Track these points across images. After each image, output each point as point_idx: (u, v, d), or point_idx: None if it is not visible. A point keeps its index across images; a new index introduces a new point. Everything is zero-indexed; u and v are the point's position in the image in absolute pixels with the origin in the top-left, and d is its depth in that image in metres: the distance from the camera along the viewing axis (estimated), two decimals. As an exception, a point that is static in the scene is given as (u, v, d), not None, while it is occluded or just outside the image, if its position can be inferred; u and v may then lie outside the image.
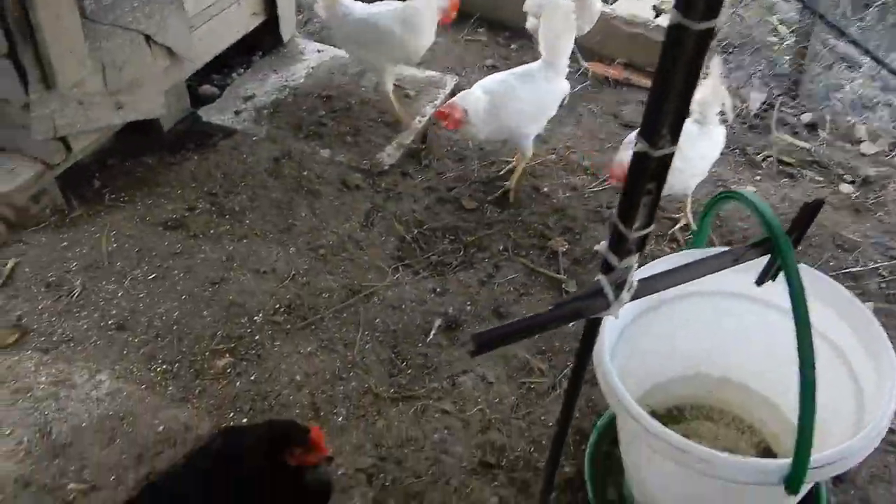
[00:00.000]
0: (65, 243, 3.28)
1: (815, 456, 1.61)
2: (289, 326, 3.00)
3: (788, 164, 4.02)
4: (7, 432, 2.57)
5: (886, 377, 1.79)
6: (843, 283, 2.54)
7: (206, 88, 4.20)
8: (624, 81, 4.57)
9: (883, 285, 3.30)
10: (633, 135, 3.19)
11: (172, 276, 3.15)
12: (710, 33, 1.09)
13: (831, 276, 2.21)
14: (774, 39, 5.05)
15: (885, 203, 3.77)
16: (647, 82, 4.53)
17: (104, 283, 3.11)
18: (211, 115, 4.00)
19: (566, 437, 1.81)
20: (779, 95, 4.53)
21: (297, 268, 3.23)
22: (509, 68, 4.21)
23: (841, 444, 1.69)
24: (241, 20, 4.18)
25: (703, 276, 1.56)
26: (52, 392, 2.70)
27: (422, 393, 2.78)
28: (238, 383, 2.77)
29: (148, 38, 3.51)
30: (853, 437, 1.71)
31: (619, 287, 1.41)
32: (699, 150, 3.19)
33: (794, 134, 4.29)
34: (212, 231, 3.37)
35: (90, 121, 3.41)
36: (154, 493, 1.85)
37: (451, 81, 4.32)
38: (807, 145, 4.13)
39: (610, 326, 1.97)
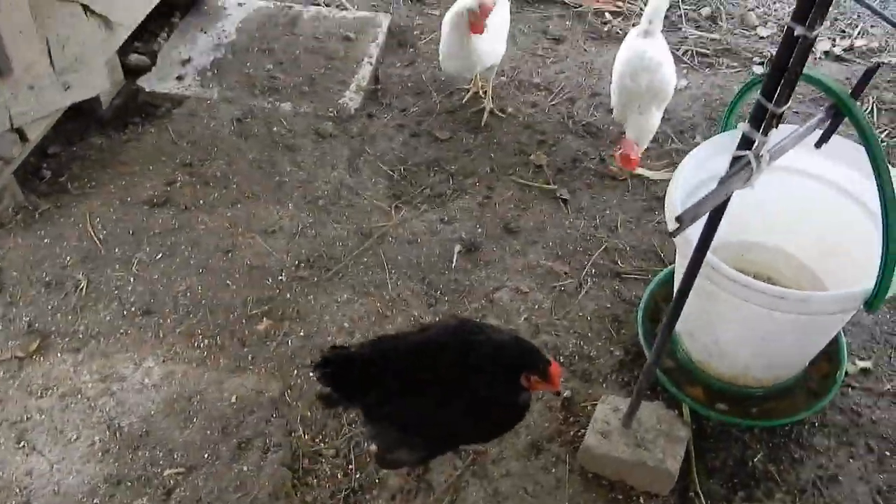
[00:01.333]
0: (47, 240, 3.09)
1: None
2: (316, 279, 3.02)
3: (705, 55, 4.39)
4: (73, 437, 2.49)
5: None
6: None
7: (135, 58, 3.95)
8: (540, -2, 4.75)
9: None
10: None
11: (180, 252, 3.06)
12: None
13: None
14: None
15: (797, 78, 4.23)
16: (562, -3, 4.74)
17: (109, 271, 2.98)
18: (152, 84, 3.80)
19: (679, 316, 2.03)
20: (679, -5, 4.89)
21: (302, 222, 3.23)
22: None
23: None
24: (161, -20, 3.95)
25: (802, 140, 1.78)
26: (103, 389, 2.61)
27: (466, 314, 2.93)
28: (289, 342, 2.80)
29: (85, 7, 3.27)
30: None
31: (757, 160, 1.62)
32: (665, 57, 3.44)
33: (699, 27, 4.67)
34: (201, 201, 3.28)
35: (42, 106, 3.18)
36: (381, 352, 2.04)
37: (385, 19, 4.32)
38: (716, 36, 4.52)
39: (676, 202, 2.21)
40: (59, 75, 3.22)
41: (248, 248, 3.10)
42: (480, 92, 3.88)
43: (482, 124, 3.75)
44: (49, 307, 2.86)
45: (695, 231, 2.13)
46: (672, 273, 2.90)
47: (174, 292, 2.92)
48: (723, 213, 1.78)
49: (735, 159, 1.64)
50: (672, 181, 2.33)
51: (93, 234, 3.10)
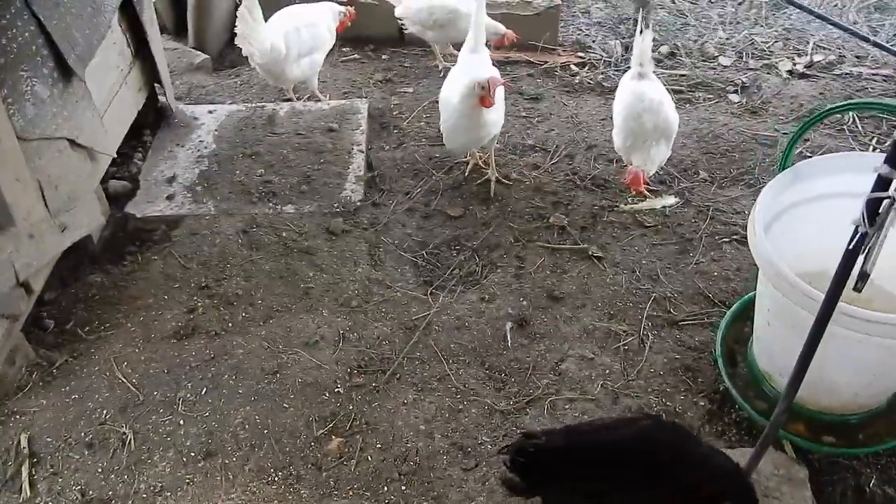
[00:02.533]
0: (75, 395, 2.83)
1: None
2: (374, 384, 2.86)
3: (680, 92, 4.51)
4: None
5: None
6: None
7: (114, 184, 3.75)
8: (505, 60, 4.80)
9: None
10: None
11: (225, 382, 2.85)
12: None
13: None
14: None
15: (769, 100, 4.40)
16: (524, 56, 4.82)
17: (154, 418, 2.74)
18: (141, 209, 3.60)
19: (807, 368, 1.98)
20: (631, 37, 5.02)
21: (341, 327, 3.07)
22: (399, 78, 4.35)
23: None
24: (132, 99, 3.78)
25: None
26: (184, 550, 2.37)
27: (539, 393, 2.82)
28: (369, 457, 2.62)
29: (71, 141, 3.08)
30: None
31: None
32: (664, 95, 3.51)
33: (663, 66, 4.80)
34: (230, 324, 3.09)
35: (43, 253, 2.95)
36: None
37: (363, 105, 4.26)
38: (684, 72, 4.66)
39: (760, 233, 2.20)
40: (55, 217, 3.00)
41: (294, 364, 2.92)
42: (480, 162, 3.84)
43: (491, 195, 3.70)
44: (99, 470, 2.59)
45: (785, 259, 2.13)
46: (739, 311, 2.89)
47: (231, 427, 2.70)
48: (856, 258, 1.75)
49: (872, 202, 1.62)
50: (751, 218, 2.33)
51: (124, 379, 2.86)
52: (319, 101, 4.35)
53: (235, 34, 3.85)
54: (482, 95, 3.23)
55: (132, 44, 3.77)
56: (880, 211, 1.60)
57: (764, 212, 2.32)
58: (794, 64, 4.67)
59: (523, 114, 4.31)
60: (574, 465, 1.93)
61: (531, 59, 4.80)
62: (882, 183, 1.61)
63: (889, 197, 1.58)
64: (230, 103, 4.39)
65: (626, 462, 1.88)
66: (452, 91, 3.43)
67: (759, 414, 2.59)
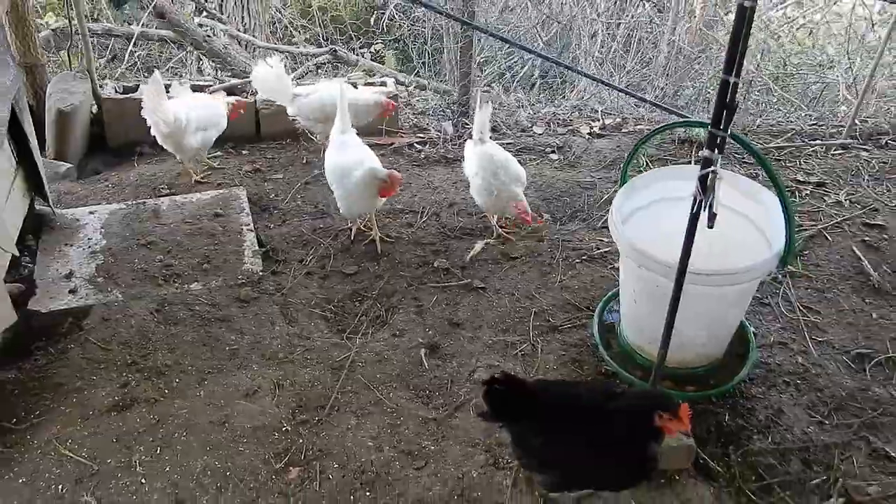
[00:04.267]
0: (21, 479, 2.85)
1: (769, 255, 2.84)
2: (317, 419, 3.18)
3: (514, 154, 5.35)
4: None
5: (772, 211, 3.00)
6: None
7: (8, 287, 3.78)
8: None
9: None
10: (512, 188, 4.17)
11: (177, 440, 3.03)
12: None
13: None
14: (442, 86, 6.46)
15: (580, 156, 5.37)
16: (374, 140, 5.47)
17: (114, 482, 2.85)
18: (46, 304, 3.67)
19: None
20: (459, 118, 5.88)
21: (274, 377, 3.37)
22: (266, 168, 4.86)
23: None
24: (21, 203, 3.89)
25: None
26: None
27: (462, 399, 3.29)
28: (329, 475, 2.92)
29: (-14, 242, 3.20)
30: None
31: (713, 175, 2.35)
32: (507, 154, 4.28)
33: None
34: (167, 390, 3.27)
35: (-29, 349, 3.00)
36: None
37: (241, 192, 4.63)
38: (510, 140, 5.54)
39: (617, 223, 2.92)
40: (-25, 315, 3.08)
41: (239, 414, 3.16)
42: (362, 226, 4.35)
43: (379, 251, 4.21)
44: (70, 539, 2.66)
45: (650, 247, 2.85)
46: (603, 309, 3.59)
47: (194, 475, 2.88)
48: (694, 236, 2.47)
49: (702, 177, 2.36)
50: (610, 222, 3.05)
51: (73, 455, 2.94)
52: (192, 182, 4.69)
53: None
54: (383, 187, 3.83)
55: (14, 151, 3.91)
56: (708, 183, 2.35)
57: (618, 214, 3.05)
58: (591, 128, 5.73)
59: (385, 185, 4.90)
60: (537, 403, 2.43)
61: (379, 142, 5.45)
62: (706, 163, 2.36)
63: (713, 171, 2.34)
64: (108, 203, 4.56)
65: (581, 406, 2.43)
66: (347, 169, 3.98)
67: (639, 378, 3.25)
